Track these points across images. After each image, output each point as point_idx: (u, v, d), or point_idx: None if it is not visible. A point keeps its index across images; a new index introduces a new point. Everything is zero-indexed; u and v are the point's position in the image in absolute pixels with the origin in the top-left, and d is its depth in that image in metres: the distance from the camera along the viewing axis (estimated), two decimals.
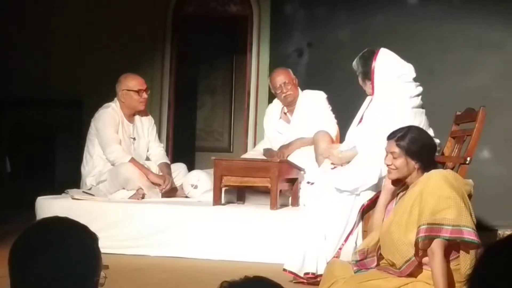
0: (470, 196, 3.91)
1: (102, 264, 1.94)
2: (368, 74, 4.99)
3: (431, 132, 4.93)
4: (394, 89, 4.89)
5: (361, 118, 5.11)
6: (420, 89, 4.97)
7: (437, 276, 3.56)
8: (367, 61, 5.00)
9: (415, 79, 5.01)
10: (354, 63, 5.09)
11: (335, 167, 4.96)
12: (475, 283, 1.70)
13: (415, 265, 3.69)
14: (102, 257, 1.95)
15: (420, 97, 4.96)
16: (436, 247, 3.59)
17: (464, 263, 3.68)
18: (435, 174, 3.76)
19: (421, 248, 3.64)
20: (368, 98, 5.17)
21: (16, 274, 1.86)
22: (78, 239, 1.91)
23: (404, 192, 3.93)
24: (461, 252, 3.69)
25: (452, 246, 3.67)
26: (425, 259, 3.69)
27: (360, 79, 5.07)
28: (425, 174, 3.81)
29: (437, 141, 4.99)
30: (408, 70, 5.00)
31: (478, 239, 3.60)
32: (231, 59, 8.99)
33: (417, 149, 3.90)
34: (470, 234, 3.59)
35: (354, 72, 5.16)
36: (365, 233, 4.65)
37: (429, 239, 3.61)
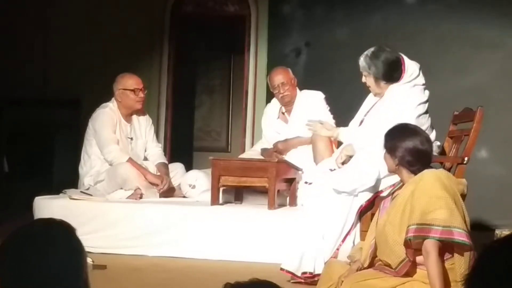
0: (463, 195, 3.90)
1: (86, 256, 1.93)
2: (390, 79, 4.90)
3: (434, 134, 4.92)
4: (407, 97, 4.85)
5: (362, 121, 5.08)
6: (427, 93, 4.95)
7: (433, 276, 3.56)
8: (395, 67, 4.90)
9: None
10: (364, 61, 4.92)
11: (334, 169, 4.96)
12: (474, 283, 1.70)
13: (409, 264, 3.68)
14: (85, 249, 1.94)
15: (427, 102, 4.92)
16: (430, 247, 3.58)
17: (459, 263, 3.67)
18: (428, 174, 3.75)
19: (414, 248, 3.64)
20: (370, 98, 5.13)
21: (5, 276, 1.85)
22: (61, 237, 1.90)
23: (398, 192, 3.92)
24: (455, 252, 3.68)
25: (446, 246, 3.66)
26: (419, 259, 3.69)
27: (373, 78, 4.95)
28: (418, 173, 3.80)
29: (437, 143, 4.99)
30: (421, 76, 4.98)
31: (469, 240, 3.59)
32: (229, 59, 8.98)
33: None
34: (460, 236, 3.58)
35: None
36: (363, 233, 4.65)
37: (420, 239, 3.60)
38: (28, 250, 1.85)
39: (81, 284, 1.86)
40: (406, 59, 4.96)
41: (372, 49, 4.97)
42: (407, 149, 3.86)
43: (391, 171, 4.07)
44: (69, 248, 1.88)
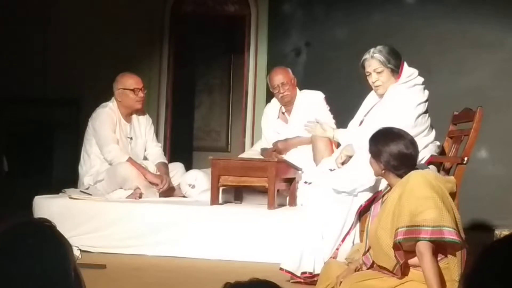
0: (454, 194, 3.88)
1: (72, 251, 1.88)
2: (397, 71, 4.90)
3: (433, 134, 4.92)
4: (407, 96, 4.84)
5: (362, 121, 5.08)
6: (427, 93, 4.94)
7: (430, 277, 3.55)
8: (398, 58, 4.92)
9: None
10: (380, 55, 4.88)
11: (333, 169, 4.95)
12: (472, 283, 1.70)
13: (404, 266, 3.69)
14: (68, 239, 1.89)
15: (427, 102, 4.91)
16: (423, 248, 3.57)
17: (453, 262, 3.67)
18: (414, 175, 3.74)
19: (406, 250, 3.64)
20: (369, 98, 5.12)
21: None
22: (42, 237, 1.84)
23: (387, 195, 3.92)
24: (448, 251, 3.68)
25: (439, 246, 3.66)
26: (413, 260, 3.69)
27: (390, 72, 4.89)
28: (405, 176, 3.79)
29: (437, 143, 4.99)
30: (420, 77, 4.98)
31: (459, 239, 3.58)
32: (229, 59, 8.98)
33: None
34: (451, 234, 3.57)
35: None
36: (362, 234, 4.64)
37: (411, 241, 3.59)
38: (7, 256, 1.78)
39: (72, 280, 1.83)
40: (405, 63, 4.96)
41: (378, 46, 4.94)
42: (392, 153, 3.86)
43: (378, 175, 4.09)
44: (52, 246, 1.82)
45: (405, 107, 4.80)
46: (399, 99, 4.84)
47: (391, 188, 3.90)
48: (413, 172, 3.77)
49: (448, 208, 3.65)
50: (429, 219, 3.56)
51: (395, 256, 3.63)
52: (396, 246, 3.61)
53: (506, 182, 7.34)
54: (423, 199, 3.61)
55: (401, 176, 3.81)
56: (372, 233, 3.83)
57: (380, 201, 4.01)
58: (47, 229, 1.86)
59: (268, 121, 6.46)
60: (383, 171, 3.91)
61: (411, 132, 4.61)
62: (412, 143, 3.93)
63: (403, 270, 3.70)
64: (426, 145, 4.82)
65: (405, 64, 4.94)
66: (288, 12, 8.03)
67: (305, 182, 5.74)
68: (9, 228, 1.87)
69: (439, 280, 3.56)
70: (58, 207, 5.81)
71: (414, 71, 4.95)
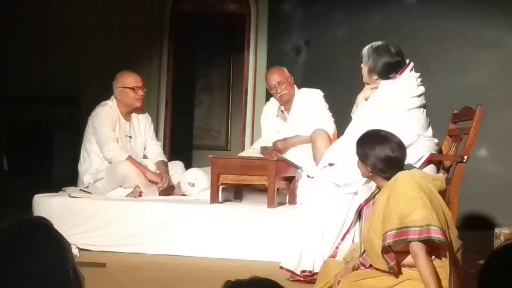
0: (443, 191, 3.88)
1: (70, 249, 1.87)
2: (382, 76, 4.90)
3: (430, 131, 4.92)
4: (400, 90, 4.85)
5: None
6: (422, 89, 4.94)
7: (426, 276, 3.55)
8: (391, 69, 4.89)
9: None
10: (366, 50, 4.92)
11: (332, 164, 4.95)
12: (486, 282, 1.69)
13: (398, 266, 3.69)
14: (66, 238, 1.88)
15: (422, 97, 4.91)
16: (417, 248, 3.57)
17: (447, 260, 3.66)
18: (401, 176, 3.73)
19: (398, 251, 3.64)
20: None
21: None
22: (39, 237, 1.83)
23: (377, 197, 3.91)
24: (441, 249, 3.67)
25: (432, 245, 3.65)
26: (405, 261, 3.69)
27: (367, 69, 4.94)
28: (392, 177, 3.79)
29: (436, 140, 4.99)
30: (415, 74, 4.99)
31: (444, 238, 3.58)
32: (229, 57, 8.98)
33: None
34: (436, 233, 3.57)
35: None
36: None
37: (402, 243, 3.59)
38: (5, 256, 1.78)
39: (71, 279, 1.83)
40: (410, 66, 4.94)
41: (379, 43, 4.96)
42: (378, 157, 3.86)
43: (365, 177, 4.09)
44: (50, 245, 1.81)
45: (398, 100, 4.80)
46: (392, 93, 4.84)
47: (380, 189, 3.90)
48: (400, 173, 3.77)
49: (436, 207, 3.65)
50: (418, 219, 3.56)
51: (385, 258, 3.63)
52: (385, 250, 3.61)
53: (506, 180, 7.34)
54: (411, 200, 3.61)
55: (388, 178, 3.81)
56: (364, 236, 3.83)
57: (371, 202, 4.01)
58: (45, 227, 1.85)
59: (267, 120, 6.45)
60: (371, 174, 3.92)
61: (404, 124, 4.62)
62: (399, 145, 3.91)
63: (399, 270, 3.70)
64: (423, 139, 4.82)
65: (408, 68, 4.93)
66: (288, 10, 8.04)
67: (308, 176, 5.74)
68: (7, 227, 1.86)
69: (436, 279, 3.56)
70: (57, 205, 5.81)
71: (415, 75, 4.95)
